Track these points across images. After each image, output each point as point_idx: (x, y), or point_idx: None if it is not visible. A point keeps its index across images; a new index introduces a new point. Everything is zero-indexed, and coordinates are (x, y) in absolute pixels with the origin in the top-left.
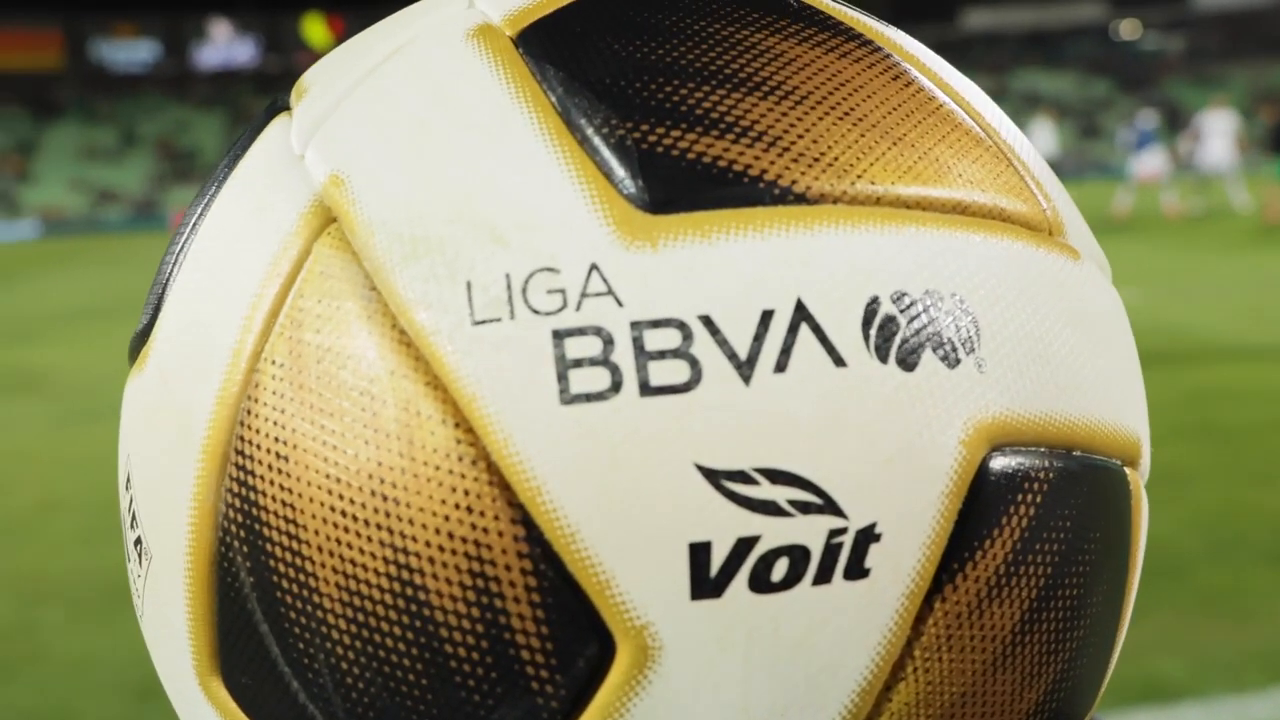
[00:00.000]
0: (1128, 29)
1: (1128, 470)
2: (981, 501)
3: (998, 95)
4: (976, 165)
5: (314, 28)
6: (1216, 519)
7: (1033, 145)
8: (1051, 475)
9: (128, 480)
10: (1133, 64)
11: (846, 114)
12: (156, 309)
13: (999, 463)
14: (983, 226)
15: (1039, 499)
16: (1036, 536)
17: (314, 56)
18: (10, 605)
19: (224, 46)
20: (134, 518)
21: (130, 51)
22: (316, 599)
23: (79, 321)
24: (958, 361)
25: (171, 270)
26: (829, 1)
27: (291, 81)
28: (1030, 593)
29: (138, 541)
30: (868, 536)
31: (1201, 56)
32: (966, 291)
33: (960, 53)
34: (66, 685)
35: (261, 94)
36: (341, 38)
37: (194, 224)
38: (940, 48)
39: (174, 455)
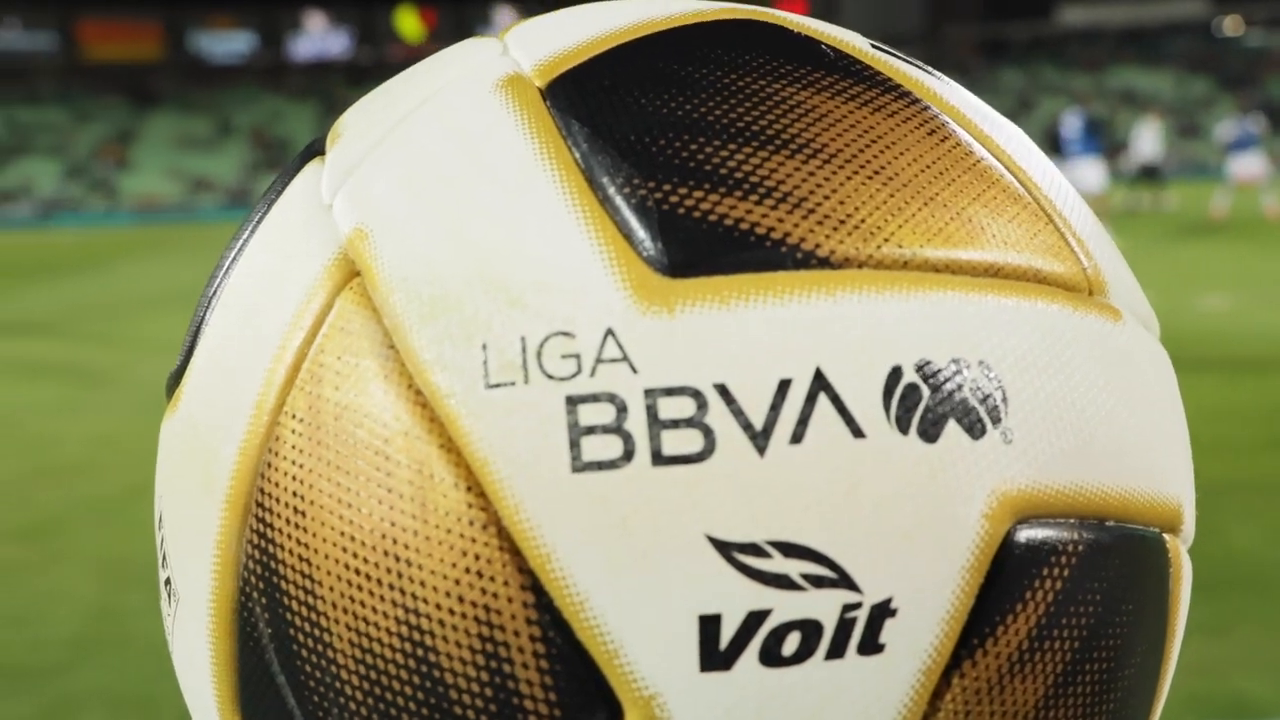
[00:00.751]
0: (1230, 25)
1: (1167, 538)
2: (1005, 575)
3: (1093, 93)
4: (1013, 224)
5: (407, 20)
6: None
7: (1137, 148)
8: (1081, 547)
9: (160, 519)
10: (1234, 62)
11: (876, 173)
12: (190, 351)
13: (1025, 535)
14: (1016, 289)
15: (1066, 572)
16: (1063, 610)
17: (406, 49)
18: (97, 588)
19: (318, 38)
20: (164, 558)
21: (227, 43)
22: (331, 654)
23: (171, 306)
24: (983, 432)
25: (205, 313)
26: (868, 49)
27: (384, 73)
28: (1056, 668)
29: (168, 581)
30: (883, 611)
31: None
32: (995, 359)
33: (1056, 50)
34: (147, 669)
35: (354, 85)
36: (434, 31)
37: (228, 267)
38: (1035, 44)
39: (199, 502)
